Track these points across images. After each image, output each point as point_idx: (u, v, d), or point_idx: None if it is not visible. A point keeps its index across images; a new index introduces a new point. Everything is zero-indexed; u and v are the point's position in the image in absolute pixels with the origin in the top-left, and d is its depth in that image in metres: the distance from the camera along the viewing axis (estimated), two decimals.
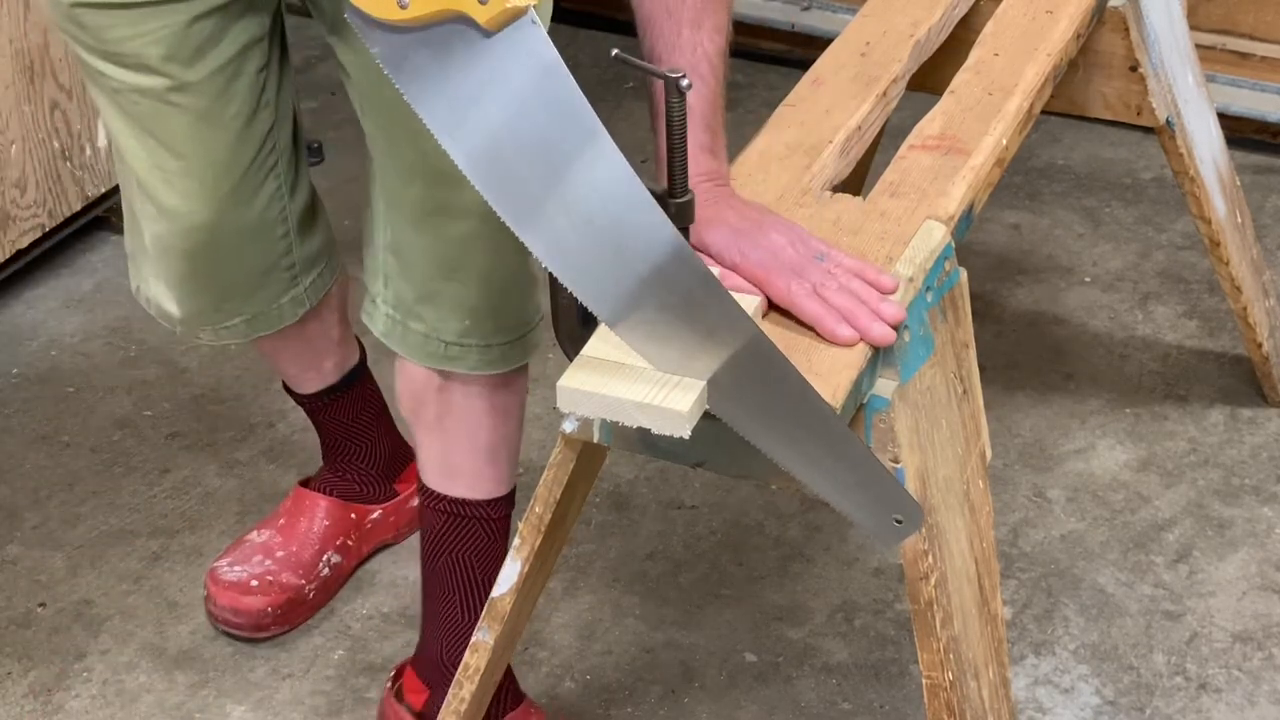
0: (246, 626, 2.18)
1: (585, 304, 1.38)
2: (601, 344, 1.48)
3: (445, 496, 1.96)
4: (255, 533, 2.24)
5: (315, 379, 2.18)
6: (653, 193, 1.44)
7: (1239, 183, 2.49)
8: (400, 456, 2.30)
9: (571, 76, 1.31)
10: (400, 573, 2.29)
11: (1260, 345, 2.48)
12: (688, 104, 1.52)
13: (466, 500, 1.95)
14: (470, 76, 1.30)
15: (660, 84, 1.46)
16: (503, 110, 1.31)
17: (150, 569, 2.30)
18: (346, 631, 2.21)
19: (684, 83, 1.40)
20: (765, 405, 1.40)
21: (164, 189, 1.86)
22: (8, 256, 2.69)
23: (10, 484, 2.43)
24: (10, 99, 2.59)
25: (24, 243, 2.71)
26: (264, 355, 2.17)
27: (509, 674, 2.00)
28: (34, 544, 2.33)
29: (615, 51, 1.51)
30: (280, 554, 2.21)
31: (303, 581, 2.20)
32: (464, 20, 1.28)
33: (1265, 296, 2.52)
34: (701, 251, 1.51)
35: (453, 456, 1.94)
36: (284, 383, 2.21)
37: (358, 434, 2.24)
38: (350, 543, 2.25)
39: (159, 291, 1.97)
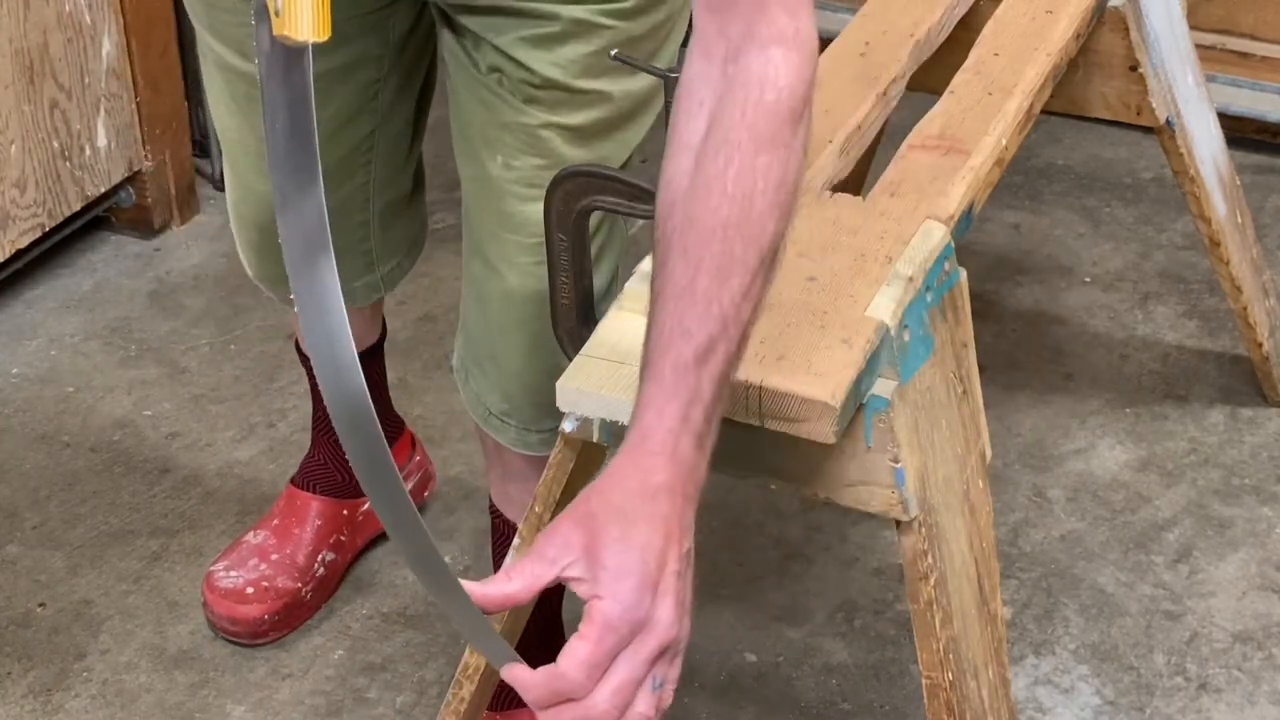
0: (245, 635, 2.17)
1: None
2: (602, 344, 1.48)
3: (501, 514, 1.98)
4: (252, 534, 2.24)
5: None
6: (651, 193, 1.45)
7: (1239, 183, 2.49)
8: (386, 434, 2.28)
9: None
10: (400, 573, 2.28)
11: (1260, 345, 2.48)
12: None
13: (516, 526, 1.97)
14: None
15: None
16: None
17: (150, 569, 2.29)
18: (346, 631, 2.21)
19: None
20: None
21: (244, 163, 1.90)
22: (7, 256, 2.69)
23: (10, 484, 2.43)
24: (10, 99, 2.59)
25: (24, 243, 2.70)
26: (291, 315, 2.17)
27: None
28: (34, 544, 2.33)
29: (614, 52, 1.51)
30: (275, 556, 2.20)
31: (299, 585, 2.19)
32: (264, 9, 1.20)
33: (1265, 296, 2.52)
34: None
35: (508, 487, 1.96)
36: (296, 341, 2.21)
37: None
38: (343, 538, 2.25)
39: (241, 245, 2.02)
